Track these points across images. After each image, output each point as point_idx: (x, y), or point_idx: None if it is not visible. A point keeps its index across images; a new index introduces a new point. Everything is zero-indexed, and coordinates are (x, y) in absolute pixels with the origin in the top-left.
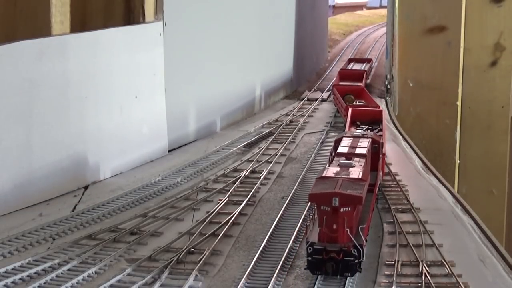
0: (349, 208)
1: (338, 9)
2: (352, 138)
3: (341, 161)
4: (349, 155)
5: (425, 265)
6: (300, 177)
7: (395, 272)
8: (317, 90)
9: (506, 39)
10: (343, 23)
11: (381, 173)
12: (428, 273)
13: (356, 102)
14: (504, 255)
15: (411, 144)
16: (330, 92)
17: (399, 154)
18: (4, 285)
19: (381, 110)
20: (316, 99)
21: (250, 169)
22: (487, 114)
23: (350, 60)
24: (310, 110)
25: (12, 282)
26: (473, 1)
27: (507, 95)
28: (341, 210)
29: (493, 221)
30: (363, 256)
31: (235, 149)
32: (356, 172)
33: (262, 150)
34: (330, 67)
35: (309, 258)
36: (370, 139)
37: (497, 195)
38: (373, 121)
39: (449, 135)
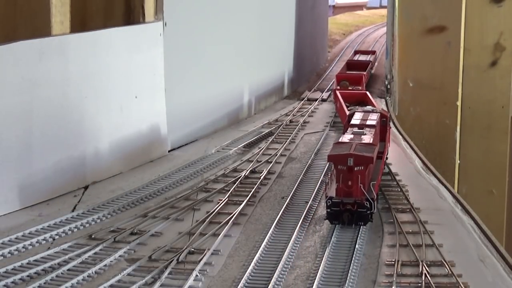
0: (362, 167)
1: (338, 9)
2: (363, 113)
3: (354, 130)
4: (361, 126)
5: (425, 265)
6: (300, 177)
7: (395, 272)
8: (317, 90)
9: (506, 39)
10: (343, 23)
11: (388, 144)
12: (428, 273)
13: (353, 88)
14: (504, 255)
15: (411, 144)
16: (330, 91)
17: (399, 154)
18: (4, 285)
19: (365, 93)
20: (316, 99)
21: (250, 169)
22: (487, 114)
23: (356, 52)
24: (310, 110)
25: (12, 282)
26: (473, 1)
27: (507, 95)
28: (355, 169)
29: (493, 221)
30: (374, 208)
31: (235, 149)
32: (367, 138)
33: (262, 150)
34: (330, 67)
35: (328, 210)
36: (379, 114)
37: (497, 195)
38: (359, 102)
39: (449, 135)
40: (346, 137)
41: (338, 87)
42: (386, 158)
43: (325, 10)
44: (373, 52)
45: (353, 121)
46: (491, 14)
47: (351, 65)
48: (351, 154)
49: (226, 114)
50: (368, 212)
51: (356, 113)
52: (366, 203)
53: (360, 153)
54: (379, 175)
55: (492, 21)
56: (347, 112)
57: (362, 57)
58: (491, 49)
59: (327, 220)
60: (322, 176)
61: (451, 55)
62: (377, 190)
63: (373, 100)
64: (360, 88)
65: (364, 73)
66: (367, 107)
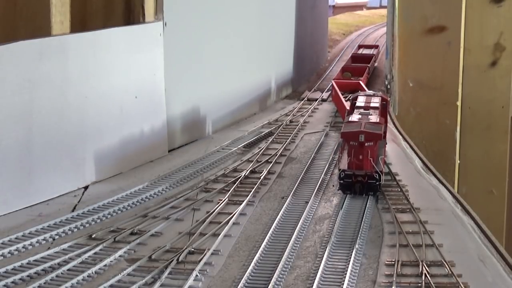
0: (372, 143)
1: (338, 9)
2: (365, 96)
3: (361, 111)
4: (366, 108)
5: (425, 265)
6: (300, 177)
7: (395, 272)
8: (317, 90)
9: (506, 39)
10: (343, 23)
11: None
12: (428, 273)
13: (357, 79)
14: (504, 255)
15: (411, 144)
16: (330, 92)
17: (399, 154)
18: (4, 285)
19: (359, 82)
20: (316, 99)
21: (250, 169)
22: (487, 114)
23: (360, 46)
24: (310, 110)
25: (12, 282)
26: (473, 1)
27: (507, 95)
28: (366, 144)
29: (493, 221)
30: (382, 179)
31: (235, 149)
32: (374, 118)
33: (262, 150)
34: (330, 67)
35: (341, 182)
36: (380, 97)
37: (497, 195)
38: (354, 90)
39: (449, 135)
40: (355, 117)
41: (341, 78)
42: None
43: (325, 10)
44: (376, 47)
45: (358, 104)
46: (491, 14)
47: (355, 58)
48: (362, 131)
49: (227, 114)
50: (377, 183)
51: (359, 96)
52: (376, 175)
53: (370, 131)
54: (384, 151)
55: (492, 21)
56: (342, 99)
57: (366, 51)
58: (491, 49)
59: (330, 213)
60: (322, 175)
61: (451, 55)
62: (384, 163)
63: (366, 88)
64: (362, 78)
65: (368, 65)
66: (369, 91)
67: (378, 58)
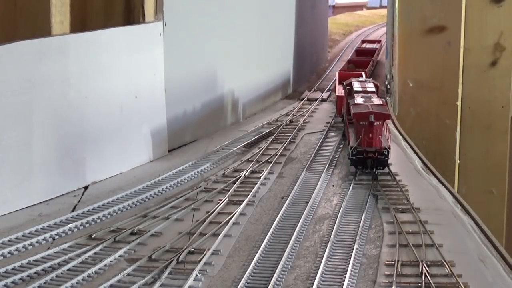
0: (380, 122)
1: (338, 9)
2: (360, 82)
3: (362, 95)
4: (365, 92)
5: (425, 265)
6: (300, 177)
7: (395, 272)
8: (317, 90)
9: (506, 39)
10: (343, 23)
11: None
12: (428, 273)
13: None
14: (504, 255)
15: (411, 144)
16: (330, 91)
17: (399, 154)
18: (4, 285)
19: (361, 73)
20: (316, 99)
21: (250, 169)
22: (487, 114)
23: (363, 41)
24: (310, 110)
25: (12, 282)
26: (473, 1)
27: (507, 95)
28: (375, 124)
29: (493, 221)
30: (389, 155)
31: (235, 149)
32: (376, 100)
33: (262, 150)
34: (330, 67)
35: (353, 158)
36: (372, 82)
37: (497, 195)
38: None
39: (449, 135)
40: (359, 100)
41: (346, 70)
42: None
43: (325, 10)
44: (379, 41)
45: (356, 88)
46: (491, 14)
47: (359, 52)
48: (372, 111)
49: (222, 116)
50: (386, 158)
51: (353, 82)
52: (384, 151)
53: (378, 111)
54: (388, 129)
55: (492, 21)
56: (337, 86)
57: (369, 45)
58: (491, 49)
59: (330, 213)
60: (323, 175)
61: (451, 55)
62: (390, 141)
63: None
64: (366, 70)
65: (372, 58)
66: (361, 77)
67: (381, 52)
